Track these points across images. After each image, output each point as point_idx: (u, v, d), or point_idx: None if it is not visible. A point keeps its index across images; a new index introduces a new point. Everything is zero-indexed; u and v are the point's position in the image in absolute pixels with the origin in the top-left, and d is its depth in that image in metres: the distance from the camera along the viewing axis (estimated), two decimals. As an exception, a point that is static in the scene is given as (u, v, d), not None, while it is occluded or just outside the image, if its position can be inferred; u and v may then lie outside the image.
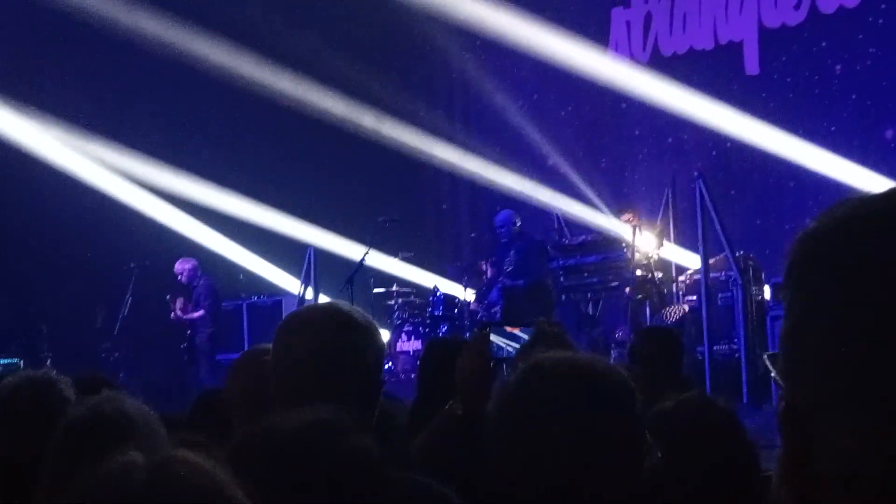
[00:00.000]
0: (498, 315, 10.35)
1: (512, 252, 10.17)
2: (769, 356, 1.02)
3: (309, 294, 11.52)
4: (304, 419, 1.24)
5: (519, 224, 10.56)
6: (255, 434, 1.25)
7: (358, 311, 2.18)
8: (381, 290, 12.26)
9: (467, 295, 11.52)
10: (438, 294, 11.70)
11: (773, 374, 0.99)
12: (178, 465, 1.13)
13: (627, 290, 10.36)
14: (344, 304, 2.21)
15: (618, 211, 10.96)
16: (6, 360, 10.59)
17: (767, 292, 9.50)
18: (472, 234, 13.77)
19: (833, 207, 0.97)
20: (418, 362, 3.63)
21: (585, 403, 1.57)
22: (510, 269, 10.15)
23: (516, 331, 3.27)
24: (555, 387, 1.58)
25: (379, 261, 11.70)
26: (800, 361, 0.92)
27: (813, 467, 0.90)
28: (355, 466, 1.21)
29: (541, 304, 9.98)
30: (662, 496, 1.75)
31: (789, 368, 0.94)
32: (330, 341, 2.06)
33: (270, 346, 3.01)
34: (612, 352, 10.55)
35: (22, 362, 10.44)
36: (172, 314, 11.53)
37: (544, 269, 10.25)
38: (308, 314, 2.19)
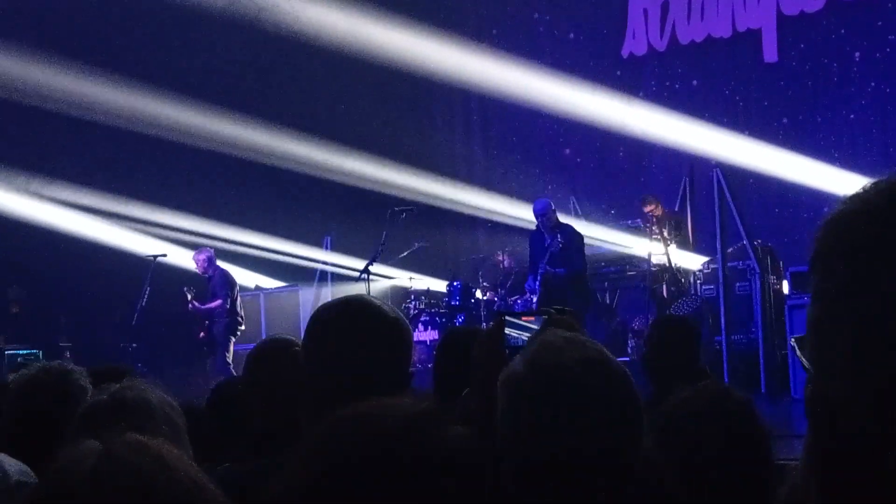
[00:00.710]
0: (535, 304, 10.30)
1: (555, 240, 10.11)
2: (796, 339, 1.01)
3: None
4: (405, 409, 1.22)
5: (556, 214, 10.49)
6: (353, 423, 1.22)
7: (387, 304, 2.20)
8: (398, 279, 12.26)
9: (483, 285, 11.50)
10: (455, 284, 11.69)
11: (799, 357, 0.98)
12: (124, 450, 1.15)
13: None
14: (374, 297, 2.23)
15: (643, 197, 10.89)
16: (25, 351, 10.67)
17: (786, 283, 9.45)
18: (489, 224, 13.77)
19: (858, 192, 0.96)
20: (434, 351, 3.63)
21: (586, 379, 1.61)
22: (552, 257, 10.09)
23: (532, 320, 3.26)
24: (557, 362, 1.63)
25: (395, 250, 11.70)
26: (829, 347, 0.91)
27: (840, 454, 0.89)
28: (460, 458, 1.19)
29: (580, 294, 9.97)
30: (659, 482, 1.74)
31: (818, 354, 0.93)
32: (363, 336, 2.08)
33: (290, 337, 3.01)
34: (629, 342, 10.54)
35: (41, 353, 10.50)
36: (189, 305, 11.56)
37: (584, 260, 10.22)
38: (340, 308, 2.19)
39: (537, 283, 10.25)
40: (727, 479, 1.93)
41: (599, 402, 1.60)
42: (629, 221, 10.65)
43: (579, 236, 10.30)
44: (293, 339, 3.00)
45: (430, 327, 11.70)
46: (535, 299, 10.34)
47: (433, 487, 1.15)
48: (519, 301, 11.09)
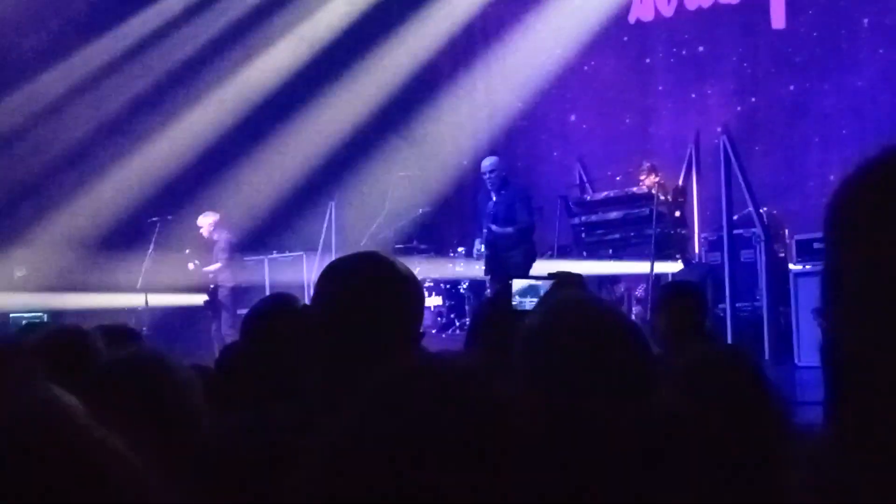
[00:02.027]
0: (485, 267, 10.28)
1: (500, 199, 10.04)
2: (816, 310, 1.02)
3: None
4: (458, 362, 1.22)
5: (504, 171, 10.36)
6: (404, 374, 1.22)
7: (398, 260, 2.17)
8: (402, 245, 12.26)
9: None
10: (459, 249, 11.69)
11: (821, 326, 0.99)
12: (30, 404, 1.14)
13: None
14: (384, 253, 2.20)
15: (640, 167, 10.87)
16: (30, 314, 10.69)
17: (792, 251, 9.43)
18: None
19: (876, 156, 0.96)
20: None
21: (600, 335, 1.64)
22: (496, 217, 10.02)
23: (540, 283, 3.26)
24: (574, 319, 1.66)
25: (399, 216, 11.69)
26: (844, 297, 0.90)
27: (857, 405, 0.88)
28: (511, 412, 1.19)
29: (526, 254, 9.93)
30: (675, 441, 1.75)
31: (833, 305, 0.93)
32: (375, 291, 2.06)
33: (289, 294, 3.01)
34: (633, 308, 10.55)
35: (46, 316, 10.52)
36: (190, 265, 11.59)
37: (530, 216, 10.16)
38: (351, 264, 2.16)
39: (482, 244, 10.19)
40: (741, 440, 1.93)
41: (613, 349, 1.62)
42: (634, 189, 10.61)
43: (525, 193, 10.25)
44: (293, 296, 3.00)
45: (434, 293, 11.72)
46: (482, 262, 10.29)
47: (497, 438, 1.15)
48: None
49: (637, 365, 1.62)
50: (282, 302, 2.90)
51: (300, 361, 2.17)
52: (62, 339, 2.87)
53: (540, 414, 1.24)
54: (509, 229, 9.88)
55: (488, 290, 10.14)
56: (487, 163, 10.24)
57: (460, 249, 11.62)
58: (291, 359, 2.55)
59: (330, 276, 2.14)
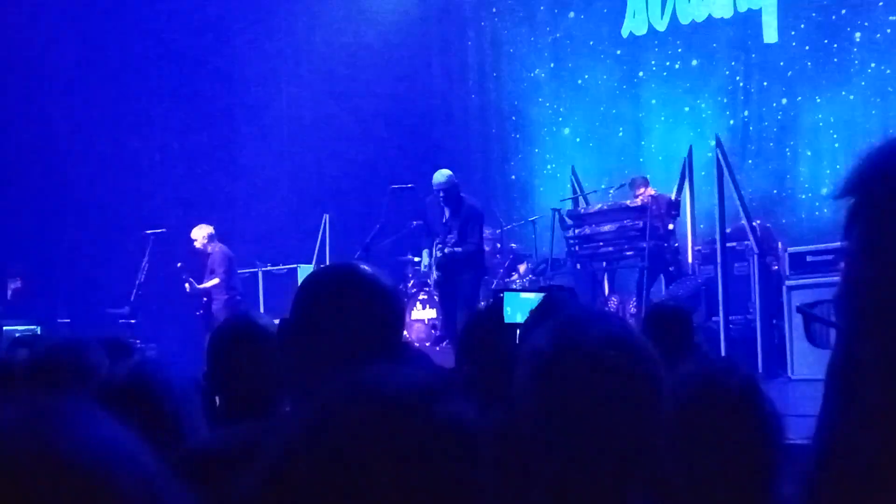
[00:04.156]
0: (433, 282, 10.23)
1: (452, 216, 9.92)
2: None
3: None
4: (401, 380, 1.21)
5: (457, 188, 10.17)
6: (345, 392, 1.22)
7: (380, 271, 2.16)
8: (396, 258, 12.25)
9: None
10: (415, 259, 11.62)
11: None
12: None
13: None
14: (364, 265, 2.20)
15: (632, 181, 10.90)
16: (23, 327, 10.67)
17: (785, 262, 9.45)
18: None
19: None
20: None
21: (611, 375, 1.62)
22: (450, 235, 9.90)
23: (531, 296, 3.27)
24: (580, 358, 1.63)
25: (394, 228, 11.68)
26: (862, 306, 0.91)
27: (868, 418, 0.89)
28: (458, 435, 1.18)
29: (476, 276, 9.90)
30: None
31: (848, 315, 0.93)
32: (353, 301, 2.05)
33: (252, 315, 2.93)
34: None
35: (39, 329, 10.51)
36: (187, 286, 11.57)
37: (481, 239, 10.10)
38: (329, 275, 2.17)
39: (433, 263, 10.07)
40: (733, 456, 1.95)
41: (622, 378, 1.61)
42: (628, 202, 10.63)
43: (478, 213, 10.09)
44: (255, 318, 2.88)
45: (427, 306, 11.71)
46: (431, 278, 10.21)
47: (430, 460, 1.15)
48: (517, 281, 11.10)
49: (640, 400, 1.61)
50: (244, 323, 2.82)
51: (278, 373, 2.16)
52: (61, 354, 2.85)
53: (501, 440, 1.23)
54: (458, 249, 9.75)
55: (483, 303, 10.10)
56: (440, 178, 9.80)
57: (416, 259, 11.46)
58: (256, 379, 2.55)
59: (308, 287, 2.14)
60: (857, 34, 11.21)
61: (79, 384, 2.39)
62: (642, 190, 10.64)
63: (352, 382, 1.21)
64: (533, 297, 3.35)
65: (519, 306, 3.32)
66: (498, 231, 11.97)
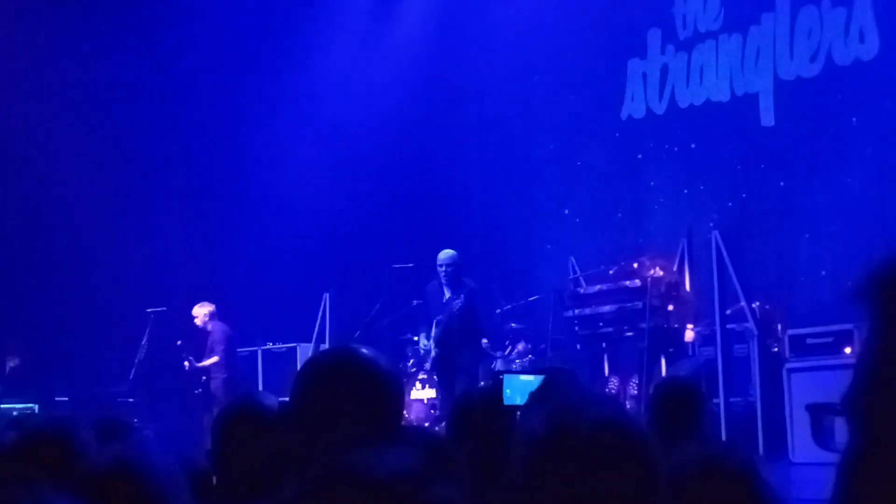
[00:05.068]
0: (430, 364, 10.27)
1: (455, 295, 10.02)
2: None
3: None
4: (388, 465, 1.22)
5: (461, 267, 10.32)
6: (332, 478, 1.23)
7: (378, 354, 2.18)
8: (396, 337, 12.23)
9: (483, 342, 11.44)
10: (415, 338, 11.61)
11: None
12: None
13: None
14: (364, 348, 2.21)
15: (633, 262, 10.92)
16: (21, 405, 10.62)
17: (785, 344, 9.44)
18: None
19: None
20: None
21: (606, 461, 1.63)
22: (455, 312, 9.98)
23: (530, 378, 3.29)
24: (575, 444, 1.64)
25: (393, 308, 11.69)
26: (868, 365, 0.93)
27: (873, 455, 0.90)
28: None
29: (475, 354, 9.97)
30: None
31: (857, 369, 0.95)
32: (351, 385, 2.06)
33: (257, 398, 2.92)
34: (627, 404, 10.51)
35: (37, 407, 10.46)
36: (186, 364, 11.56)
37: (483, 321, 10.24)
38: (329, 359, 2.18)
39: (433, 341, 10.11)
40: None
41: (617, 463, 1.62)
42: (627, 282, 10.65)
43: (481, 294, 10.26)
44: (262, 397, 2.88)
45: (427, 385, 11.66)
46: (429, 360, 10.23)
47: None
48: (516, 361, 11.08)
49: (636, 485, 1.61)
50: (249, 405, 2.82)
51: (279, 457, 2.16)
52: (48, 435, 2.80)
53: None
54: (464, 325, 9.86)
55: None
56: (445, 255, 10.12)
57: (416, 338, 11.50)
58: (261, 461, 2.53)
59: (307, 372, 2.15)
60: (854, 119, 11.33)
61: (64, 467, 2.37)
62: (651, 270, 10.64)
63: (341, 466, 1.22)
64: (532, 379, 3.37)
65: (518, 388, 3.33)
66: (498, 311, 11.97)
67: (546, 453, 1.63)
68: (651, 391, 4.72)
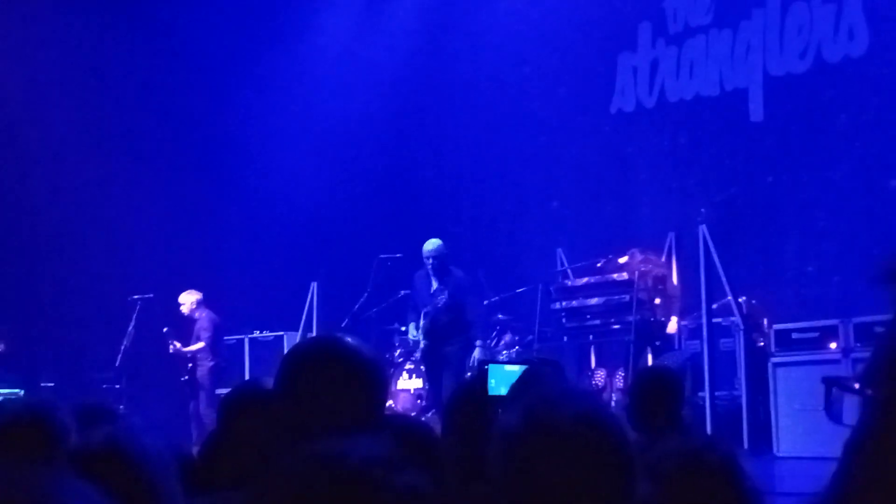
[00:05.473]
0: (420, 353, 10.27)
1: (443, 285, 10.01)
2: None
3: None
4: (360, 452, 1.25)
5: (447, 257, 10.24)
6: (305, 465, 1.25)
7: (362, 343, 2.19)
8: (383, 327, 12.24)
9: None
10: (402, 328, 11.62)
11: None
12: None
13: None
14: (347, 337, 2.22)
15: (620, 254, 10.94)
16: (6, 390, 10.60)
17: (771, 339, 9.47)
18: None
19: None
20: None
21: (582, 456, 1.64)
22: (442, 303, 9.97)
23: (515, 368, 3.29)
24: (551, 439, 1.65)
25: (381, 298, 11.69)
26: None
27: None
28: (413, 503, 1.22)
29: (464, 345, 9.98)
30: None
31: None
32: (334, 373, 2.07)
33: (263, 380, 2.98)
34: (613, 396, 10.54)
35: (22, 392, 10.45)
36: (171, 347, 11.55)
37: (479, 307, 10.22)
38: (313, 347, 2.20)
39: (420, 332, 10.10)
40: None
41: (593, 457, 1.63)
42: (615, 275, 10.67)
43: (467, 285, 10.20)
44: (266, 382, 2.95)
45: (413, 375, 11.68)
46: (418, 350, 10.23)
47: None
48: (504, 352, 11.10)
49: (612, 478, 1.62)
50: (254, 388, 2.87)
51: (268, 446, 2.18)
52: (27, 419, 2.79)
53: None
54: (453, 315, 9.83)
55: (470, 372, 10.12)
56: (431, 246, 10.05)
57: (403, 329, 11.50)
58: (264, 445, 2.55)
59: (290, 360, 2.17)
60: (843, 116, 11.37)
61: (43, 450, 2.36)
62: (640, 263, 10.65)
63: (313, 454, 1.24)
64: (517, 370, 3.37)
65: (503, 379, 3.34)
66: (486, 302, 11.99)
67: (522, 448, 1.64)
68: (632, 381, 4.74)
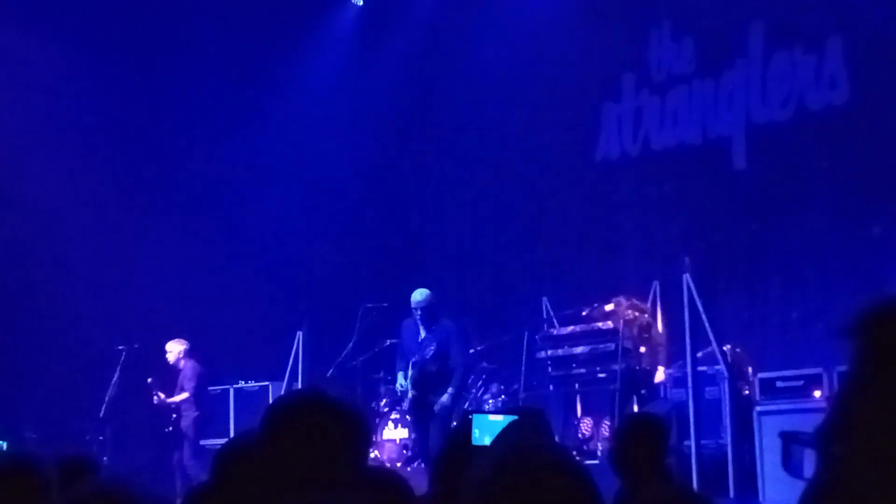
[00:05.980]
0: (408, 403, 10.24)
1: (431, 334, 10.01)
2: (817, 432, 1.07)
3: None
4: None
5: (435, 306, 10.25)
6: None
7: (345, 395, 2.21)
8: (370, 375, 12.20)
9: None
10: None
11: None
12: None
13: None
14: (329, 390, 2.24)
15: (606, 302, 10.96)
16: (-11, 442, 10.52)
17: (756, 387, 9.48)
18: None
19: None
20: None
21: (550, 483, 1.65)
22: (429, 353, 9.97)
23: (499, 419, 3.29)
24: (518, 487, 1.66)
25: (366, 347, 11.68)
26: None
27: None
28: None
29: (454, 395, 9.96)
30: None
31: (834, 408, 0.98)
32: (317, 429, 2.09)
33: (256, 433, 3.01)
34: (600, 444, 10.51)
35: (5, 444, 10.36)
36: (155, 398, 11.49)
37: (465, 354, 10.20)
38: (295, 401, 2.22)
39: (409, 382, 10.07)
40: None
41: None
42: (600, 324, 10.69)
43: (463, 331, 10.21)
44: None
45: (399, 425, 11.62)
46: (407, 398, 10.19)
47: None
48: (489, 401, 11.07)
49: None
50: (248, 441, 2.88)
51: (255, 499, 2.18)
52: (10, 471, 2.78)
53: None
54: (440, 364, 9.82)
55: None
56: (419, 297, 10.09)
57: (389, 378, 11.43)
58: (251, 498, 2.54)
59: (273, 413, 2.18)
60: (824, 164, 11.45)
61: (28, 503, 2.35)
62: (628, 311, 10.67)
63: None
64: (502, 420, 3.37)
65: (487, 428, 3.34)
66: (472, 351, 11.97)
67: (492, 496, 1.65)
68: (617, 427, 4.74)
